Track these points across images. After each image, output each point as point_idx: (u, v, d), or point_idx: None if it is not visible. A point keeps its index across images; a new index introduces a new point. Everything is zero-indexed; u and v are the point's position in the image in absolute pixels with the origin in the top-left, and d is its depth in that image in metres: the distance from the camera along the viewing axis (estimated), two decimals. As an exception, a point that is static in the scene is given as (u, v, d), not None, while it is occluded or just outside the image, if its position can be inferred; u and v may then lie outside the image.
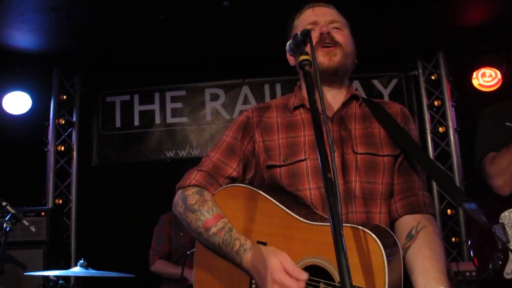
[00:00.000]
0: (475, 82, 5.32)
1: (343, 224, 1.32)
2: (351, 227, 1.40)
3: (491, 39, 5.01)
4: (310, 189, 1.64)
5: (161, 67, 5.43)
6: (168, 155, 5.45)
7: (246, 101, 5.54)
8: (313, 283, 1.45)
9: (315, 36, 1.73)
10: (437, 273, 1.47)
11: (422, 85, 5.61)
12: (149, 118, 5.56)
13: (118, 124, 5.56)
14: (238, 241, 1.56)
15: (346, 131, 1.71)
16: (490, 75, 5.30)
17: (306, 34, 1.50)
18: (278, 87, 5.55)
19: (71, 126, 5.55)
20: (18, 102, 5.24)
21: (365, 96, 2.23)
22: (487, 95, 5.26)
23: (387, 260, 1.32)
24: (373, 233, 1.35)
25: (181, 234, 4.28)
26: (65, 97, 5.51)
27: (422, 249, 1.54)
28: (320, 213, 1.60)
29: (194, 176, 1.77)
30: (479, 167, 2.65)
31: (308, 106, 1.75)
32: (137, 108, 5.58)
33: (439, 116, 5.49)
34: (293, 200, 1.64)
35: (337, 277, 1.36)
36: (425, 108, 5.58)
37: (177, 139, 5.51)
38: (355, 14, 4.58)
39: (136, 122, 5.55)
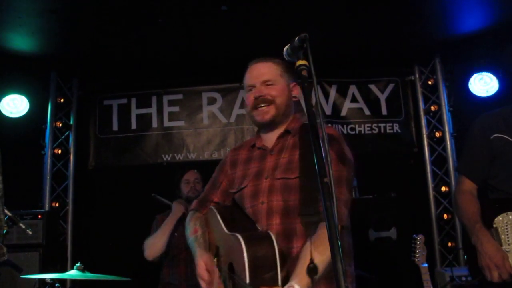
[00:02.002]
0: (471, 87, 5.35)
1: (236, 234, 1.83)
2: (232, 234, 1.88)
3: (487, 44, 5.04)
4: (248, 208, 2.11)
5: (159, 71, 5.44)
6: (165, 159, 5.44)
7: (243, 105, 5.53)
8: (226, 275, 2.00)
9: (251, 99, 2.18)
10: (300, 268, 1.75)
11: (419, 90, 5.64)
12: (146, 122, 5.56)
13: (115, 127, 5.56)
14: (194, 248, 2.16)
15: (277, 161, 2.11)
16: (487, 80, 5.33)
17: (303, 39, 1.51)
18: (275, 91, 5.55)
19: (68, 129, 5.55)
20: (15, 105, 5.24)
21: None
22: (483, 100, 5.28)
23: (247, 255, 1.74)
24: (243, 238, 1.79)
25: (175, 234, 4.27)
26: (62, 100, 5.51)
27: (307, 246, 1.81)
28: (256, 225, 2.05)
29: (194, 203, 2.42)
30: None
31: (257, 145, 2.25)
32: (134, 111, 5.58)
33: (435, 121, 5.51)
34: (239, 215, 2.14)
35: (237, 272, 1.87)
36: (422, 113, 5.60)
37: (174, 143, 5.51)
38: (352, 19, 4.66)
39: (133, 126, 5.55)
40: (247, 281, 1.72)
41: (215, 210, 2.16)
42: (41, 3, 4.07)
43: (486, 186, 2.72)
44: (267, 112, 2.15)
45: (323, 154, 1.29)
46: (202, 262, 2.02)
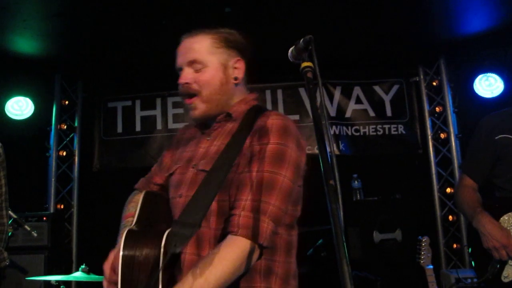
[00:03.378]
0: (476, 88, 5.33)
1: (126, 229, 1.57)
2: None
3: (492, 45, 5.02)
4: (170, 199, 1.78)
5: (163, 73, 5.42)
6: (170, 161, 5.45)
7: (247, 106, 5.53)
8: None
9: (180, 87, 1.79)
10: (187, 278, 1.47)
11: (424, 91, 5.62)
12: (151, 124, 5.57)
13: (119, 129, 5.57)
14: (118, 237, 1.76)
15: (208, 148, 1.76)
16: (492, 81, 5.31)
17: (308, 41, 1.50)
18: (279, 93, 5.56)
19: (73, 132, 5.57)
20: (20, 107, 5.26)
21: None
22: (488, 101, 5.26)
23: (123, 255, 1.49)
24: (126, 235, 1.53)
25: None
26: (67, 102, 5.53)
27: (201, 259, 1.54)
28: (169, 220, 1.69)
29: (140, 181, 2.05)
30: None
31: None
32: (139, 113, 5.58)
33: (440, 122, 5.50)
34: (163, 207, 1.80)
35: None
36: (427, 114, 5.58)
37: (179, 145, 5.50)
38: (357, 20, 4.64)
39: (138, 128, 5.56)
40: (119, 285, 1.48)
41: (142, 196, 1.80)
42: (45, 6, 4.09)
43: (492, 185, 2.74)
44: (195, 108, 1.77)
45: (328, 155, 1.28)
46: (112, 255, 1.64)
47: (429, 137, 5.53)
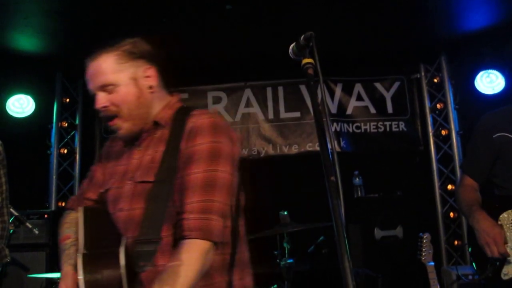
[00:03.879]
0: (477, 85, 5.32)
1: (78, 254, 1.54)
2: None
3: (493, 41, 5.01)
4: (111, 214, 1.75)
5: (163, 70, 5.44)
6: (171, 158, 5.45)
7: (248, 104, 5.54)
8: None
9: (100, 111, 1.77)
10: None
11: (425, 88, 5.62)
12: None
13: (121, 127, 5.56)
14: (61, 262, 1.72)
15: (141, 159, 1.75)
16: (493, 78, 5.30)
17: (309, 37, 1.50)
18: (280, 90, 5.56)
19: (74, 129, 5.57)
20: (21, 105, 5.26)
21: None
22: (489, 98, 5.26)
23: (85, 283, 1.48)
24: (83, 259, 1.52)
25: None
26: (68, 100, 5.53)
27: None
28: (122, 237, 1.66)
29: (71, 200, 2.00)
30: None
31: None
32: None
33: (441, 119, 5.49)
34: (108, 221, 1.76)
35: None
36: (428, 111, 5.58)
37: (180, 142, 5.50)
38: (358, 17, 4.63)
39: (139, 125, 5.55)
40: None
41: (82, 213, 1.73)
42: (46, 4, 4.09)
43: (491, 184, 2.74)
44: (120, 127, 1.74)
45: (329, 152, 1.28)
46: (64, 286, 1.61)
47: (430, 134, 5.52)
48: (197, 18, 4.45)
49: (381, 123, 5.55)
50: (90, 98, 1.83)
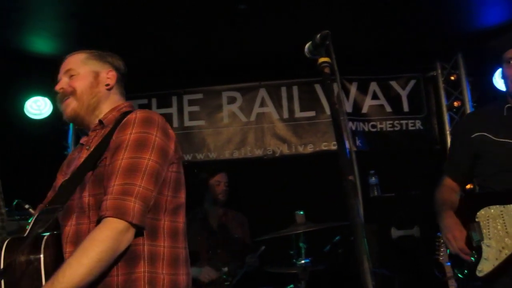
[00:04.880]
0: (495, 82, 5.24)
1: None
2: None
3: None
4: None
5: (178, 71, 5.46)
6: (186, 158, 5.47)
7: (263, 103, 5.53)
8: None
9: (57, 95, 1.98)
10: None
11: (441, 86, 5.55)
12: (167, 122, 5.56)
13: (136, 127, 5.59)
14: None
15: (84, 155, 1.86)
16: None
17: (325, 36, 1.50)
18: (295, 89, 5.54)
19: (90, 130, 5.61)
20: (38, 107, 5.32)
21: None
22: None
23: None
24: (7, 241, 1.63)
25: (198, 238, 4.29)
26: (84, 101, 5.58)
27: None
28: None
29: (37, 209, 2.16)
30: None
31: (81, 142, 1.98)
32: (155, 111, 5.60)
33: (459, 117, 5.42)
34: None
35: None
36: (445, 109, 5.51)
37: (195, 142, 5.53)
38: (372, 14, 4.60)
39: (154, 126, 5.57)
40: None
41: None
42: (63, 7, 4.12)
43: (475, 184, 2.75)
44: (68, 105, 1.94)
45: (347, 151, 1.27)
46: None
47: (447, 132, 5.45)
48: (211, 19, 4.45)
49: (397, 121, 5.50)
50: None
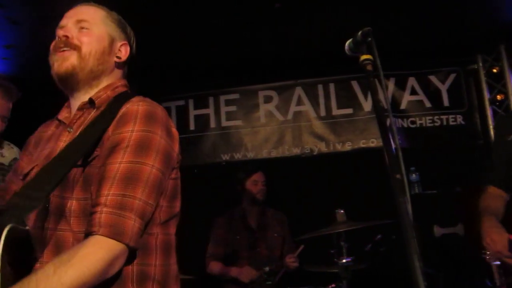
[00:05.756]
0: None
1: None
2: None
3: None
4: None
5: (214, 72, 5.51)
6: (224, 158, 5.50)
7: (299, 102, 5.51)
8: None
9: (54, 41, 1.63)
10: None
11: (483, 79, 5.39)
12: (204, 122, 5.64)
13: (174, 128, 5.67)
14: None
15: (66, 142, 1.55)
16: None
17: (367, 33, 1.48)
18: (331, 86, 5.49)
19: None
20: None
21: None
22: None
23: None
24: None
25: (237, 237, 4.32)
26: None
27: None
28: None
29: None
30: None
31: (58, 117, 1.68)
32: (192, 112, 5.68)
33: (502, 111, 5.25)
34: None
35: None
36: (487, 103, 5.34)
37: (232, 142, 5.56)
38: (410, 8, 4.51)
39: (192, 127, 5.65)
40: None
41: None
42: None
43: None
44: (67, 58, 1.58)
45: (393, 148, 1.25)
46: None
47: (491, 126, 5.29)
48: (246, 18, 4.47)
49: (437, 117, 5.38)
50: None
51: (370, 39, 1.47)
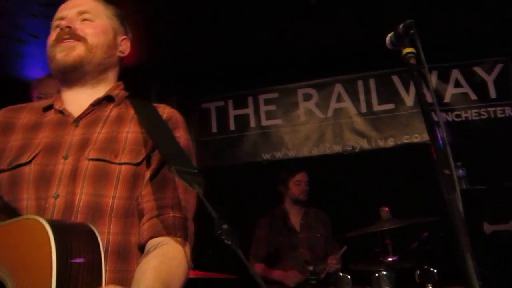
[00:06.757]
0: None
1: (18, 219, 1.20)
2: (22, 218, 1.21)
3: None
4: (27, 200, 1.35)
5: (253, 72, 5.51)
6: (265, 158, 5.50)
7: (339, 98, 5.44)
8: None
9: (55, 32, 1.52)
10: (154, 282, 1.22)
11: (532, 68, 5.18)
12: (244, 122, 5.66)
13: (214, 129, 5.72)
14: None
15: (88, 136, 1.44)
16: None
17: (409, 26, 1.44)
18: (372, 82, 5.40)
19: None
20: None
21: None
22: None
23: (56, 252, 1.08)
24: (48, 223, 1.12)
25: (280, 238, 4.30)
26: (163, 106, 5.78)
27: (149, 260, 1.29)
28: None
29: None
30: None
31: (56, 107, 1.52)
32: (232, 113, 5.70)
33: (554, 101, 5.03)
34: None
35: (8, 285, 1.13)
36: (538, 93, 5.14)
37: (273, 141, 5.55)
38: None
39: (232, 127, 5.68)
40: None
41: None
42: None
43: None
44: (74, 48, 1.48)
45: (440, 144, 1.21)
46: None
47: (542, 118, 5.08)
48: (283, 16, 4.44)
49: (483, 109, 5.20)
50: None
51: (412, 31, 1.43)
